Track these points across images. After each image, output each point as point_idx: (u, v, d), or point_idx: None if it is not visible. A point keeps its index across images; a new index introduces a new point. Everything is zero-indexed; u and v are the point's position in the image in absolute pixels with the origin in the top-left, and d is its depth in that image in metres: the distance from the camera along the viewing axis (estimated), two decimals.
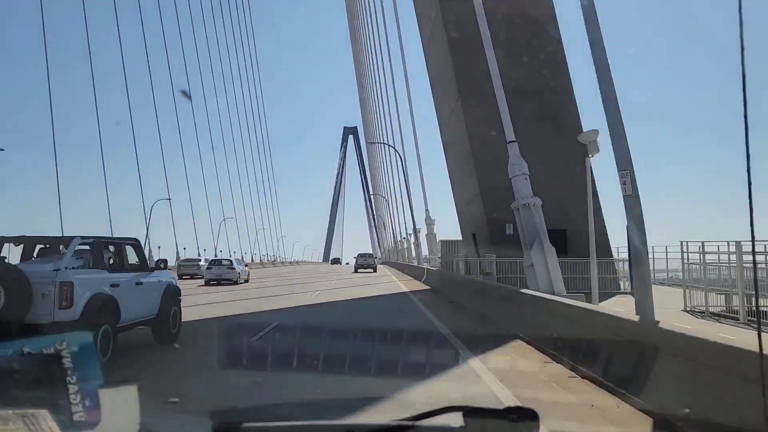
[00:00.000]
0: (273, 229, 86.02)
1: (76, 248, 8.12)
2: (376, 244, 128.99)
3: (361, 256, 54.69)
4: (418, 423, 1.36)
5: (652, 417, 5.08)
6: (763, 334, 2.00)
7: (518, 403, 5.68)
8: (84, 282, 7.65)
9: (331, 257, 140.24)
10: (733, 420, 4.22)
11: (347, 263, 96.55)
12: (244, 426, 1.51)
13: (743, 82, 1.72)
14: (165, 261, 10.76)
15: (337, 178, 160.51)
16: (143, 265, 9.39)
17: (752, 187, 1.70)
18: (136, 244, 9.58)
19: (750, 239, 1.69)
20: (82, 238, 8.32)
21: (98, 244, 8.52)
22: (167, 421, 5.11)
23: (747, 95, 1.72)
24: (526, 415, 1.25)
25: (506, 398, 6.11)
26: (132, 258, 9.24)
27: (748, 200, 1.72)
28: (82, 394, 2.79)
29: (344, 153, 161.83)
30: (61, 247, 8.62)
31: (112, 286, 8.21)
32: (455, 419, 1.29)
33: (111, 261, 8.81)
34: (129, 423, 3.23)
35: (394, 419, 1.43)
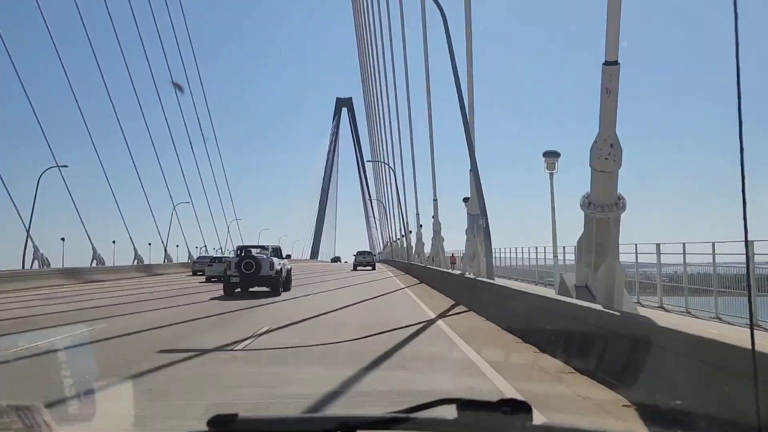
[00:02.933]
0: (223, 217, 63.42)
1: (266, 248, 21.81)
2: (376, 240, 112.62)
3: (359, 254, 56.09)
4: (411, 415, 1.37)
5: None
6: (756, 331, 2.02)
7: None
8: (275, 261, 20.38)
9: (331, 256, 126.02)
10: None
11: (346, 261, 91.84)
12: (240, 418, 1.51)
13: (738, 84, 1.73)
14: (289, 255, 24.62)
15: (327, 160, 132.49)
16: (280, 256, 21.94)
17: (746, 188, 1.71)
18: (279, 248, 23.05)
19: (744, 239, 1.70)
20: (272, 246, 22.54)
21: (274, 248, 22.12)
22: (162, 413, 5.13)
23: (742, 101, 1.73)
24: (519, 407, 1.26)
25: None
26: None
27: (741, 200, 1.73)
28: (78, 388, 2.82)
29: (336, 129, 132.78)
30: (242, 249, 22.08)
31: (279, 263, 20.67)
32: (449, 411, 1.30)
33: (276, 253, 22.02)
34: (124, 416, 3.25)
35: (388, 411, 1.44)
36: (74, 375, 3.77)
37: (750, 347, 1.70)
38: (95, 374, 3.59)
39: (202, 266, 36.61)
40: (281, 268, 20.50)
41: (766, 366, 3.67)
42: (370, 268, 51.87)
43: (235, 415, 1.55)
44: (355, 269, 50.43)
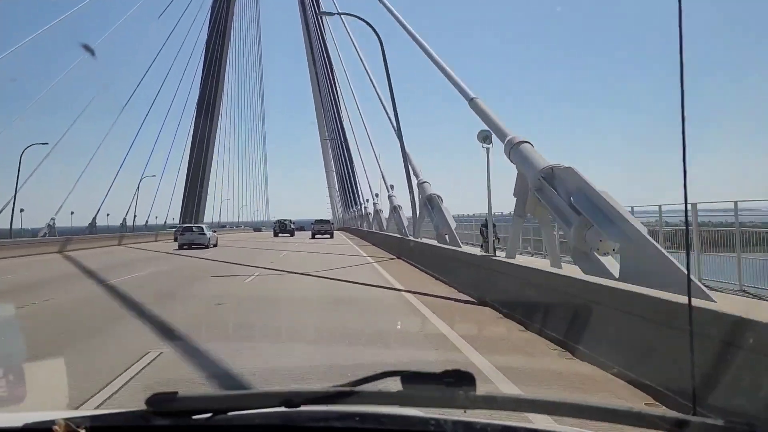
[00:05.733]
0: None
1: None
2: (336, 204, 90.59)
3: (318, 222, 56.14)
4: (356, 389, 1.35)
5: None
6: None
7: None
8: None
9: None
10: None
11: (299, 227, 65.52)
12: (179, 396, 1.45)
13: (681, 65, 1.73)
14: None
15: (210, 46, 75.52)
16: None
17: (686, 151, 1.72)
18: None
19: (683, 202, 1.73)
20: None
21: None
22: (100, 394, 4.98)
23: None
24: (463, 378, 1.25)
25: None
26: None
27: (682, 164, 1.75)
28: (5, 369, 2.69)
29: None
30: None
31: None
32: (393, 384, 1.29)
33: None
34: (57, 397, 3.14)
35: (333, 385, 1.41)
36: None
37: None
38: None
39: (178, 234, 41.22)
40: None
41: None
42: (328, 236, 52.15)
43: (175, 393, 1.49)
44: (313, 237, 50.78)
